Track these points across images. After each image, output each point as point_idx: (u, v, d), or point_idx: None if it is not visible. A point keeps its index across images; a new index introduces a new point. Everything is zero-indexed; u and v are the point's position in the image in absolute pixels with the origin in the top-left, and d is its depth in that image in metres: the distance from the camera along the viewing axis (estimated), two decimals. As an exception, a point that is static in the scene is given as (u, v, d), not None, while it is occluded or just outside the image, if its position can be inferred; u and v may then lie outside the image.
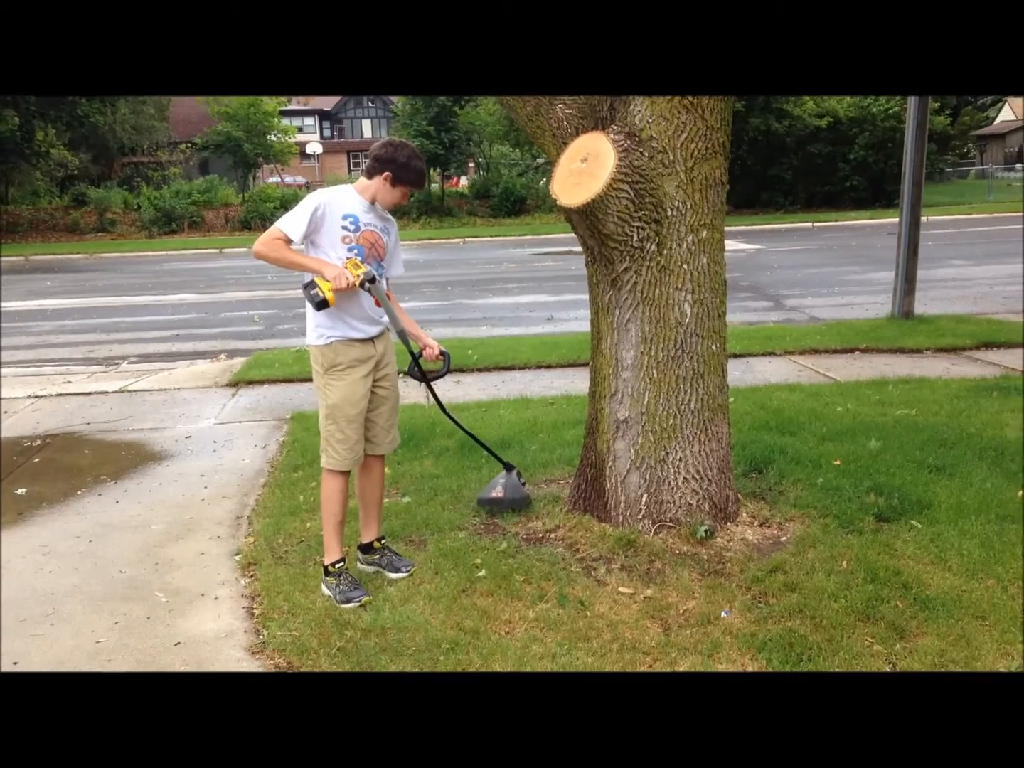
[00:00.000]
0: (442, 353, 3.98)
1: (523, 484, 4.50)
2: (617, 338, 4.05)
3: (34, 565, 4.27)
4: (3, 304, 14.79)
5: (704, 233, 3.94)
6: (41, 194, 32.23)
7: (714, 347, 4.08)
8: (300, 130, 56.47)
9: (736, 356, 8.49)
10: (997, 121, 56.37)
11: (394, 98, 42.13)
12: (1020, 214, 26.39)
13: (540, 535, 4.21)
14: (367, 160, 3.78)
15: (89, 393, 8.01)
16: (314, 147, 52.13)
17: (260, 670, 3.30)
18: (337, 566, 3.81)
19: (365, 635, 3.45)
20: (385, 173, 3.66)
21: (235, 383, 8.20)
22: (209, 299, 14.93)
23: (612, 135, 3.78)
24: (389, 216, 3.87)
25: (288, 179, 45.51)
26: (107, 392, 8.03)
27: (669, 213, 3.86)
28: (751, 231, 24.81)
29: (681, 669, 3.13)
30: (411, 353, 3.94)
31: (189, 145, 34.84)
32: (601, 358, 4.16)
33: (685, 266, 3.93)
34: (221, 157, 34.36)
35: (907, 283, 9.93)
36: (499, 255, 21.68)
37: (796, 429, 5.75)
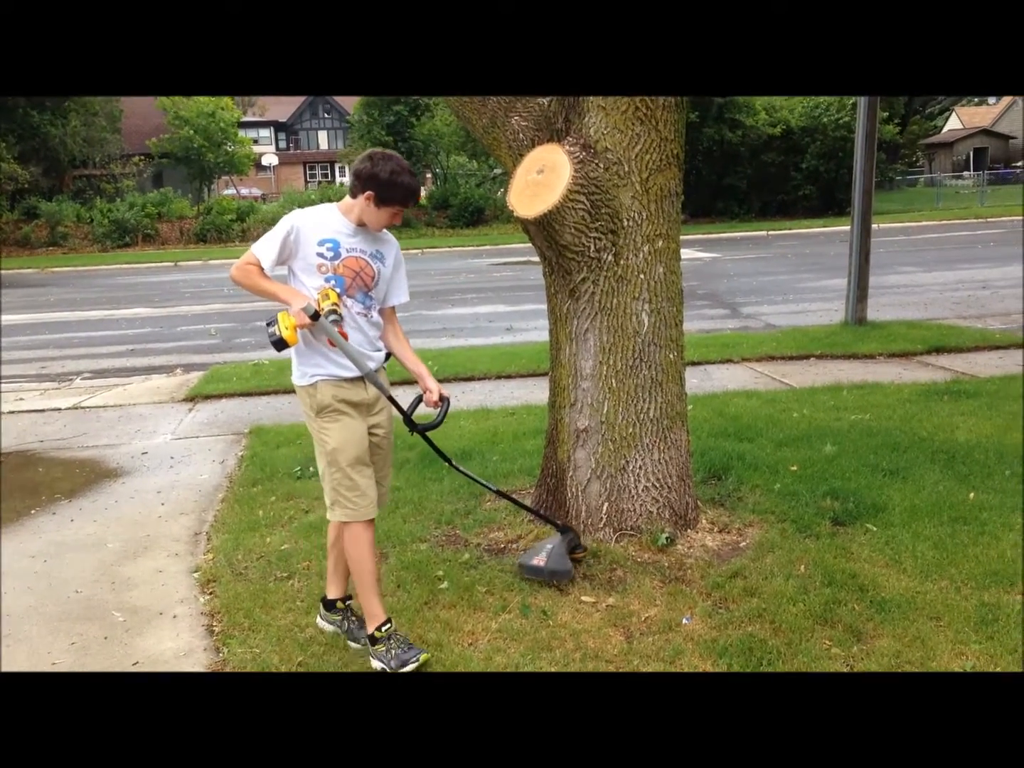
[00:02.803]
0: (441, 399, 3.49)
1: (581, 550, 3.94)
2: (576, 348, 4.08)
3: (-13, 587, 4.19)
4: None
5: (660, 243, 3.98)
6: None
7: (672, 356, 4.12)
8: (256, 142, 56.17)
9: (694, 364, 8.57)
10: (945, 130, 57.56)
11: (349, 108, 42.00)
12: (968, 221, 27.00)
13: (502, 545, 4.21)
14: (350, 177, 3.35)
15: (42, 410, 7.89)
16: (270, 159, 51.87)
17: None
18: (384, 629, 3.31)
19: (328, 651, 3.44)
20: (367, 192, 3.20)
21: (192, 398, 8.12)
22: (164, 313, 14.76)
23: (568, 147, 3.81)
24: (388, 238, 3.41)
25: (244, 191, 45.24)
26: (60, 409, 7.91)
27: (625, 224, 3.89)
28: (707, 240, 25.08)
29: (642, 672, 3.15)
30: (391, 400, 3.42)
31: (142, 157, 34.47)
32: (560, 368, 4.18)
33: (642, 276, 3.96)
34: (177, 167, 34.04)
35: (859, 290, 10.10)
36: (458, 266, 21.69)
37: (754, 435, 5.81)
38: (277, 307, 3.18)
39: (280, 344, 3.15)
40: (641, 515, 4.09)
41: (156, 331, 12.93)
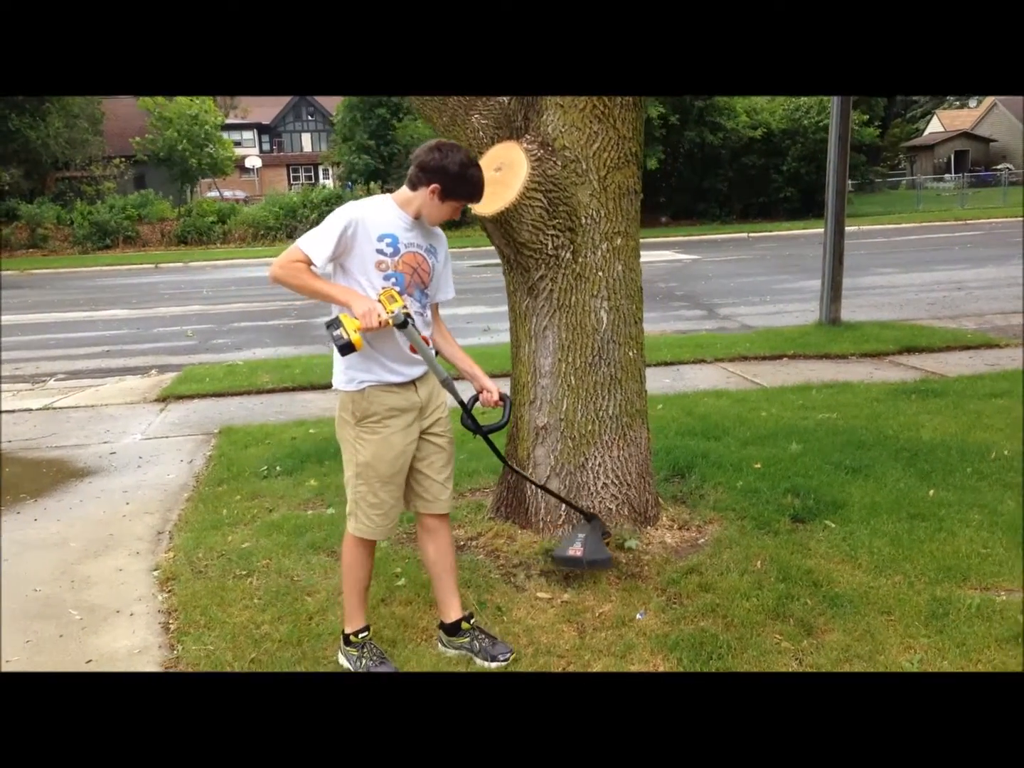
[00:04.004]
0: (502, 398, 3.37)
1: (607, 535, 3.92)
2: (535, 345, 4.09)
3: (-55, 586, 4.17)
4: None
5: (619, 241, 4.00)
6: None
7: (631, 353, 4.13)
8: (239, 144, 56.01)
9: (667, 364, 8.64)
10: (926, 132, 57.88)
11: (332, 110, 41.98)
12: (948, 223, 27.19)
13: (462, 543, 4.22)
14: (411, 166, 3.11)
15: (12, 411, 7.85)
16: (253, 161, 51.78)
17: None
18: (361, 636, 3.27)
19: (282, 647, 3.43)
20: (432, 185, 3.01)
21: (164, 398, 8.09)
22: (142, 314, 14.70)
23: (526, 144, 3.82)
24: (438, 232, 3.25)
25: (227, 193, 45.09)
26: (31, 410, 7.87)
27: (583, 221, 3.91)
28: (688, 242, 25.17)
29: (594, 671, 3.16)
30: (461, 404, 3.31)
31: (124, 159, 34.32)
32: (520, 365, 4.19)
33: (600, 273, 3.98)
34: (159, 168, 33.93)
35: (833, 290, 10.16)
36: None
37: (720, 434, 5.84)
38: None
39: (347, 348, 2.91)
40: (600, 512, 4.10)
41: (133, 332, 12.88)
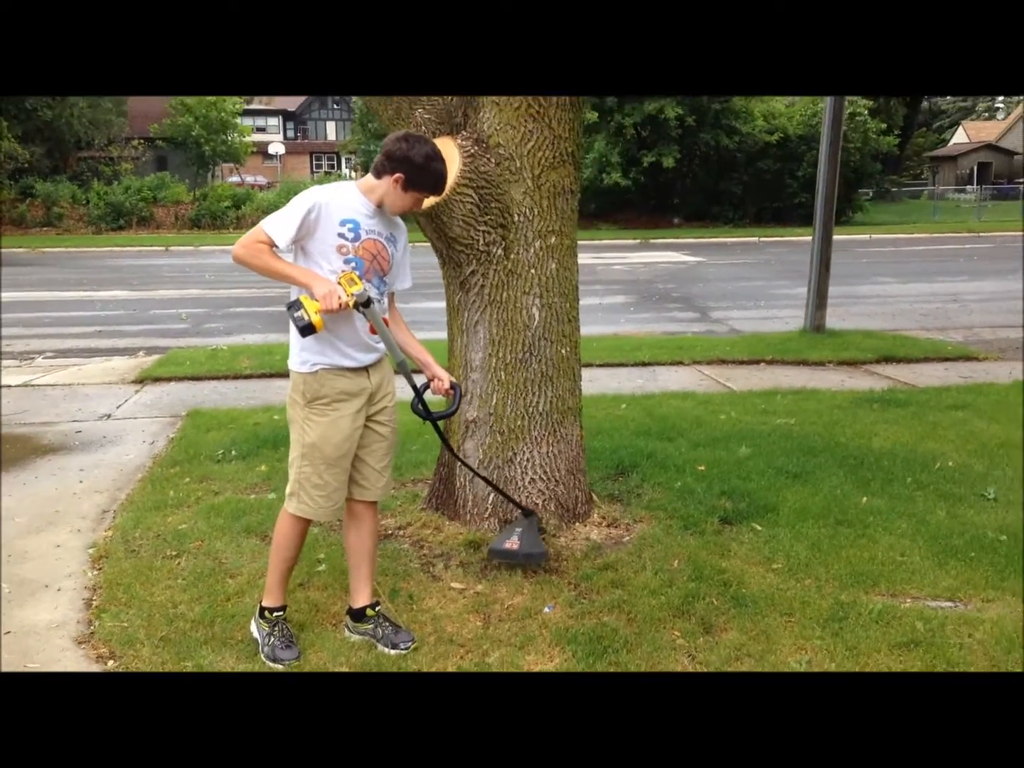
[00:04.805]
0: (452, 387, 3.43)
1: (543, 532, 4.03)
2: (466, 340, 4.15)
3: None
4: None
5: (553, 239, 4.05)
6: (-11, 186, 31.82)
7: (564, 351, 4.18)
8: (263, 130, 56.31)
9: (644, 364, 8.68)
10: (951, 143, 57.50)
11: (354, 98, 42.11)
12: (961, 234, 27.01)
13: (390, 532, 4.28)
14: (378, 155, 3.17)
15: (-9, 387, 7.97)
16: (276, 147, 51.94)
17: (90, 665, 3.33)
18: (276, 614, 3.32)
19: (194, 627, 3.50)
20: (396, 174, 3.07)
21: (141, 380, 8.19)
22: (140, 296, 14.85)
23: (460, 140, 3.87)
24: (398, 221, 3.31)
25: (249, 179, 45.34)
26: (10, 386, 7.99)
27: (516, 219, 3.96)
28: (697, 244, 25.12)
29: (489, 660, 3.22)
30: (414, 388, 3.37)
31: (142, 141, 34.58)
32: (453, 359, 4.25)
33: (533, 271, 4.03)
34: (176, 151, 34.18)
35: (819, 297, 10.16)
36: (434, 260, 21.71)
37: (675, 435, 5.88)
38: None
39: (308, 330, 2.96)
40: (526, 507, 4.15)
41: (128, 314, 13.01)
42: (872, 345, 9.35)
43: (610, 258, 20.58)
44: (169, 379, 8.21)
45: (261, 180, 48.00)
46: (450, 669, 3.17)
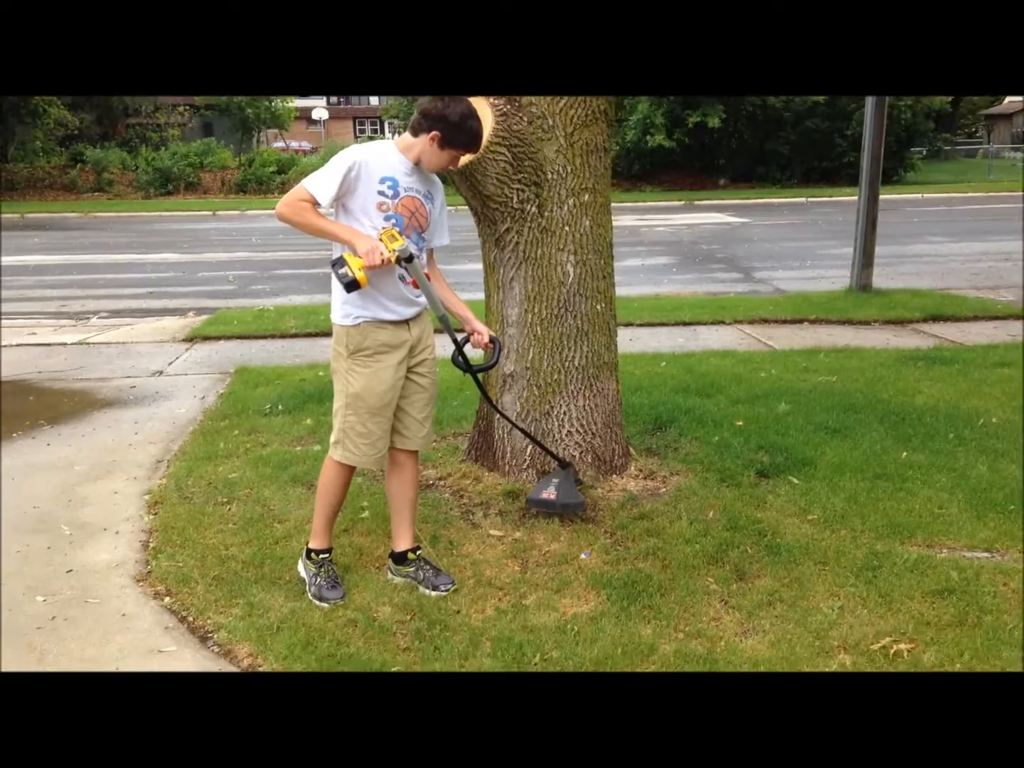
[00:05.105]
0: (491, 340, 3.52)
1: (580, 482, 4.13)
2: (502, 296, 4.22)
3: (-47, 499, 4.47)
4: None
5: (586, 197, 4.09)
6: (40, 153, 32.28)
7: (599, 307, 4.23)
8: (306, 95, 56.29)
9: (685, 324, 8.68)
10: (1006, 101, 55.86)
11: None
12: (1017, 193, 26.37)
13: (431, 482, 4.40)
14: (415, 114, 3.24)
15: (49, 344, 8.22)
16: (320, 113, 51.97)
17: (147, 601, 3.49)
18: (321, 556, 3.47)
19: (244, 567, 3.65)
20: (433, 132, 3.14)
21: (191, 338, 8.38)
22: (190, 259, 15.08)
23: (493, 99, 3.90)
24: (435, 179, 3.39)
25: (293, 144, 45.54)
26: (66, 344, 8.23)
27: (549, 176, 4.00)
28: (743, 205, 24.80)
29: (526, 602, 3.32)
30: (454, 341, 3.45)
31: (188, 107, 34.87)
32: (490, 315, 4.33)
33: (567, 228, 4.07)
34: (221, 117, 34.42)
35: (865, 257, 10.05)
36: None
37: (714, 392, 5.91)
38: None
39: (353, 285, 3.05)
40: (563, 458, 4.23)
41: (178, 276, 13.24)
42: (919, 304, 9.24)
43: (654, 220, 20.42)
44: (218, 338, 8.40)
45: (305, 145, 48.19)
46: (489, 611, 3.28)
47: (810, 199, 26.18)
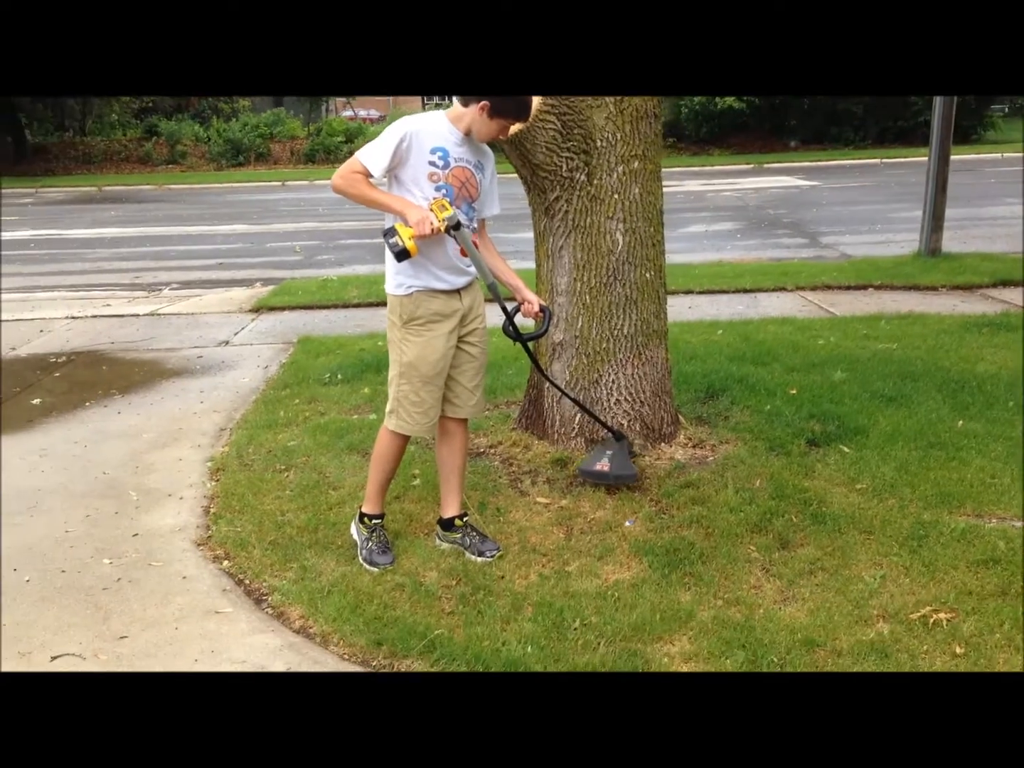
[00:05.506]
0: (542, 309, 3.55)
1: (634, 454, 4.17)
2: (552, 264, 4.25)
3: (29, 465, 4.70)
4: (68, 232, 15.51)
5: (636, 164, 4.09)
6: (117, 126, 33.04)
7: (648, 275, 4.24)
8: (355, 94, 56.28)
9: (746, 291, 8.60)
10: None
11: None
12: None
13: (482, 450, 4.49)
14: None
15: (122, 315, 8.50)
16: (387, 80, 52.08)
17: (207, 564, 3.65)
18: (374, 521, 3.58)
19: (299, 532, 3.80)
20: (482, 102, 3.16)
21: (257, 309, 8.59)
22: (258, 230, 15.35)
23: (544, 68, 3.93)
24: (486, 149, 3.41)
25: (362, 112, 45.82)
26: (138, 315, 8.50)
27: (598, 144, 4.01)
28: (813, 167, 24.25)
29: (569, 569, 3.39)
30: (504, 310, 3.50)
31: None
32: (540, 284, 4.37)
33: (616, 196, 4.09)
34: (288, 89, 34.70)
35: (934, 220, 9.79)
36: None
37: (769, 360, 5.88)
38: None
39: (403, 255, 3.14)
40: (618, 430, 4.27)
41: (247, 247, 13.51)
42: (990, 268, 8.99)
43: (720, 184, 20.11)
44: (283, 308, 8.59)
45: (374, 113, 48.41)
46: (532, 577, 3.36)
47: (884, 160, 25.47)
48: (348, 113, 43.17)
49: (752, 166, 25.17)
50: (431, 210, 3.15)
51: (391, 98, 53.40)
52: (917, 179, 19.72)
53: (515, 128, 3.85)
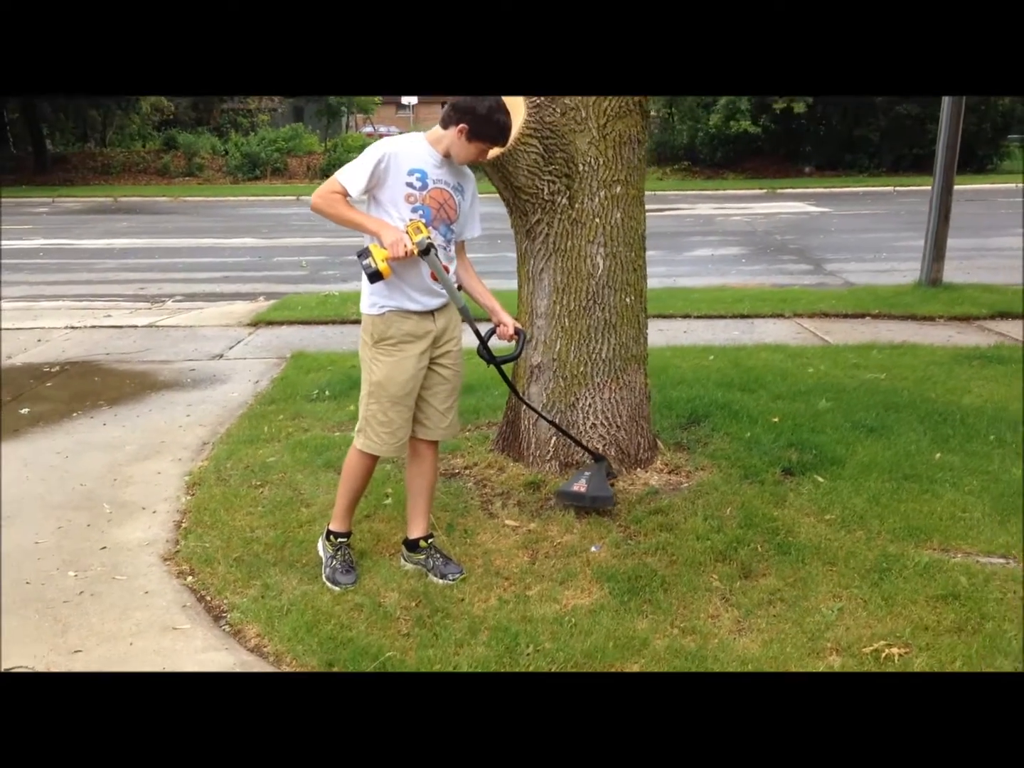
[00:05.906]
0: (517, 332, 3.56)
1: (612, 478, 4.19)
2: (532, 287, 4.27)
3: (10, 475, 4.73)
4: (78, 242, 15.66)
5: (618, 189, 4.11)
6: (137, 138, 33.38)
7: (628, 300, 4.25)
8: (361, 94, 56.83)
9: (743, 317, 8.60)
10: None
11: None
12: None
13: (457, 471, 4.49)
14: (445, 107, 3.27)
15: (120, 327, 8.56)
16: (409, 98, 52.52)
17: (171, 580, 3.67)
18: (340, 540, 3.58)
19: (266, 549, 3.81)
20: (461, 125, 3.18)
21: (255, 323, 8.65)
22: (267, 243, 15.47)
23: (525, 91, 3.96)
24: (467, 171, 3.43)
25: (382, 128, 46.13)
26: (136, 326, 8.57)
27: (581, 168, 4.03)
28: (825, 194, 24.25)
29: (530, 593, 3.39)
30: (476, 333, 3.51)
31: (276, 93, 35.61)
32: (520, 305, 4.39)
33: (597, 220, 4.11)
34: (311, 102, 35.05)
35: (936, 250, 9.77)
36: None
37: (756, 387, 5.87)
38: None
39: (376, 276, 3.14)
40: (596, 451, 4.26)
41: (254, 260, 13.61)
42: (989, 300, 8.96)
43: (731, 209, 20.13)
44: (281, 323, 8.64)
45: (394, 130, 48.64)
46: (492, 601, 3.36)
47: (896, 188, 25.44)
48: (368, 129, 43.50)
49: (765, 191, 25.20)
50: (406, 232, 3.16)
51: (411, 115, 53.76)
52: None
53: (494, 152, 3.87)
